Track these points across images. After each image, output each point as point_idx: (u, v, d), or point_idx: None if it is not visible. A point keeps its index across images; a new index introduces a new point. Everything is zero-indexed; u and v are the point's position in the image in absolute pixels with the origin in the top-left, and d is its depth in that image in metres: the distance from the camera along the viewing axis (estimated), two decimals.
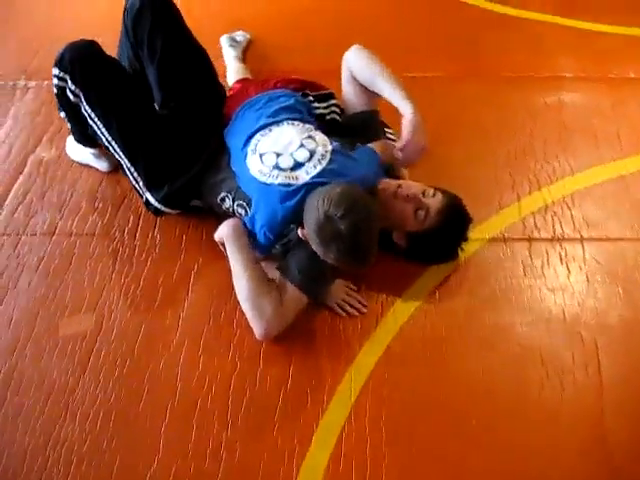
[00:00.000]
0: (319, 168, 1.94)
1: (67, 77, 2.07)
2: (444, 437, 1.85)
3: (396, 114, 2.14)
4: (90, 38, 2.17)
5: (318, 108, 2.28)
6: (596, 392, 1.91)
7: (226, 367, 1.98)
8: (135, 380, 1.96)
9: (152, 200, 2.20)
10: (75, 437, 1.85)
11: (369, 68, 2.23)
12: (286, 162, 1.96)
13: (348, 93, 2.35)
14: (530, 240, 2.25)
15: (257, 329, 1.98)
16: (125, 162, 2.17)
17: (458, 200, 2.14)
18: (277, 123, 2.06)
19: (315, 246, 1.86)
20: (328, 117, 2.30)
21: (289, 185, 1.93)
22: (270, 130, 2.05)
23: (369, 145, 2.13)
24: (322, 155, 1.97)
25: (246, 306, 1.98)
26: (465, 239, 2.15)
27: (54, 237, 2.30)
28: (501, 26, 3.20)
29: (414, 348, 2.02)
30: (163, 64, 2.20)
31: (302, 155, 1.97)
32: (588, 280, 2.15)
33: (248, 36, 3.05)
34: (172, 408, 1.90)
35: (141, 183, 2.19)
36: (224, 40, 2.95)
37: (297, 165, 1.95)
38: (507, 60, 2.99)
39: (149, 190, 2.19)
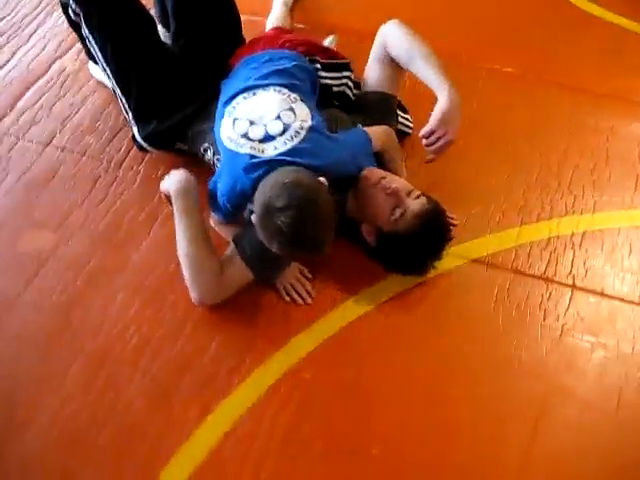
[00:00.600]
0: (289, 145, 1.81)
1: None
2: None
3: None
4: None
5: (325, 78, 2.13)
6: (523, 457, 1.73)
7: (154, 322, 1.94)
8: (66, 311, 1.97)
9: (137, 135, 2.15)
10: None
11: (408, 44, 2.06)
12: (257, 133, 1.84)
13: (373, 71, 2.18)
14: (516, 272, 2.04)
15: (192, 294, 1.92)
16: (118, 91, 2.13)
17: (442, 213, 1.97)
18: (264, 87, 1.94)
19: (259, 235, 1.76)
20: (336, 89, 2.15)
21: (254, 157, 1.81)
22: (254, 94, 1.93)
23: (364, 129, 1.98)
24: (296, 132, 1.83)
25: (185, 269, 1.90)
26: (437, 257, 1.98)
27: (47, 148, 2.33)
28: (580, 26, 2.85)
29: (343, 353, 1.90)
30: None
31: (275, 128, 1.84)
32: (561, 333, 1.93)
33: None
34: (87, 350, 1.90)
35: (130, 115, 2.15)
36: None
37: (267, 137, 1.83)
38: (574, 66, 2.67)
39: (136, 124, 2.15)
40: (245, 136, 1.85)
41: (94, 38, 2.07)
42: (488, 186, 2.25)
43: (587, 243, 2.12)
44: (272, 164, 1.78)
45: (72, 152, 2.31)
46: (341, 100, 2.16)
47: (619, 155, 2.35)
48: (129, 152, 2.30)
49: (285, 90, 1.93)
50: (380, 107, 2.14)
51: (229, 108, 1.94)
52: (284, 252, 1.76)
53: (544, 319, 1.96)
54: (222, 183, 1.87)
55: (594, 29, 2.82)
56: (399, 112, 2.25)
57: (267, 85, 1.94)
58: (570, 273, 2.05)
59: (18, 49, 2.67)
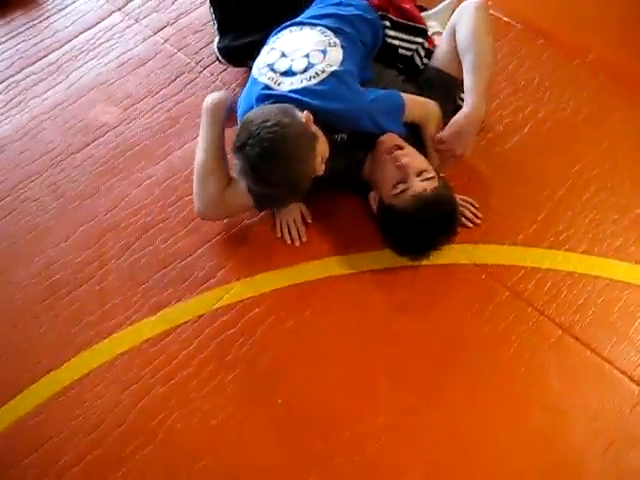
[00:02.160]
0: (304, 84, 1.80)
1: None
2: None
3: None
4: None
5: (393, 38, 2.05)
6: None
7: (161, 214, 2.10)
8: (100, 180, 2.20)
9: (214, 45, 2.25)
10: None
11: (472, 37, 1.95)
12: (282, 65, 1.85)
13: (445, 41, 2.06)
14: (512, 291, 1.89)
15: (195, 204, 2.01)
16: (208, 2, 2.22)
17: (448, 203, 1.86)
18: (312, 25, 1.92)
19: None
20: (403, 51, 2.06)
21: (269, 88, 1.83)
22: (301, 29, 1.93)
23: (404, 95, 1.90)
24: (317, 73, 1.81)
25: (194, 179, 1.99)
26: (430, 245, 1.88)
27: (154, 36, 2.55)
28: None
29: (302, 304, 1.90)
30: None
31: (300, 65, 1.83)
32: (526, 371, 1.77)
33: None
34: (98, 218, 2.11)
35: (214, 26, 2.24)
36: None
37: (289, 72, 1.83)
38: None
39: (218, 35, 2.24)
40: (270, 66, 1.86)
41: None
42: (533, 197, 2.06)
43: (607, 295, 1.88)
44: (281, 99, 1.79)
45: (171, 46, 2.50)
46: (407, 64, 2.07)
47: None
48: (217, 59, 2.40)
49: (329, 32, 1.90)
50: (438, 85, 2.03)
51: (273, 38, 1.96)
52: (252, 189, 1.79)
53: (514, 350, 1.80)
54: (240, 107, 1.92)
55: None
56: None
57: (316, 24, 1.93)
58: (566, 317, 1.84)
59: None
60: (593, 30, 2.50)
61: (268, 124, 1.66)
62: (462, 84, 1.98)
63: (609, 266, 1.94)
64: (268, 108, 1.74)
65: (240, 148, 1.69)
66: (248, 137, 1.67)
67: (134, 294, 1.95)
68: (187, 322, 1.89)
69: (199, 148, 1.99)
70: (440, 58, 2.07)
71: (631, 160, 2.13)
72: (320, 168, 1.78)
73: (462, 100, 1.98)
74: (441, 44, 2.10)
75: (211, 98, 2.01)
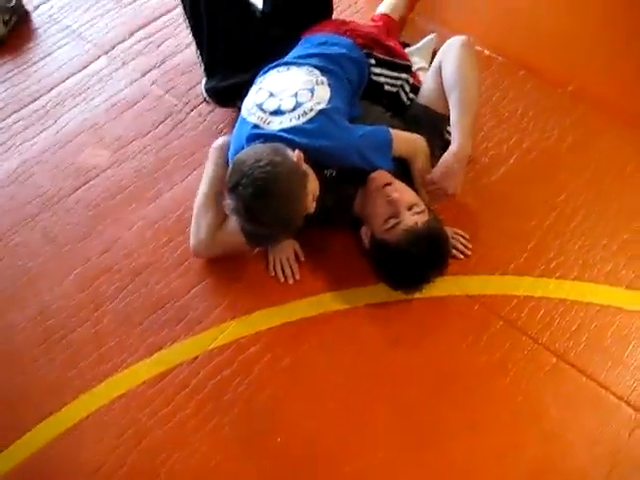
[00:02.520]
0: (294, 123, 1.83)
1: None
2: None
3: None
4: None
5: (379, 75, 2.09)
6: None
7: (154, 255, 2.10)
8: (91, 224, 2.21)
9: (202, 86, 2.28)
10: None
11: (457, 75, 1.99)
12: (271, 105, 1.88)
13: (430, 77, 2.10)
14: (506, 321, 1.90)
15: (190, 241, 2.03)
16: (193, 42, 2.26)
17: (439, 237, 1.88)
18: (299, 65, 1.97)
19: None
20: (388, 88, 2.10)
21: (258, 127, 1.86)
22: (288, 69, 1.97)
23: (392, 130, 1.93)
24: (305, 111, 1.84)
25: (193, 218, 2.03)
26: (423, 279, 1.90)
27: (142, 79, 2.59)
28: None
29: (296, 341, 1.91)
30: None
31: (288, 104, 1.86)
32: (523, 400, 1.78)
33: None
34: (92, 260, 2.12)
35: (201, 67, 2.28)
36: None
37: (278, 112, 1.86)
38: None
39: (205, 76, 2.28)
40: (259, 106, 1.89)
41: None
42: (522, 226, 2.08)
43: (600, 321, 1.89)
44: (271, 138, 1.82)
45: (159, 87, 2.54)
46: (393, 101, 2.11)
47: None
48: (204, 100, 2.44)
49: (316, 71, 1.94)
50: (425, 121, 2.06)
51: (261, 78, 1.99)
52: (245, 227, 1.81)
53: (510, 379, 1.81)
54: (231, 147, 1.94)
55: None
56: None
57: (303, 64, 1.97)
58: (561, 344, 1.85)
59: None
60: (573, 60, 2.55)
61: (260, 164, 1.68)
62: (449, 119, 2.00)
63: (600, 292, 1.96)
64: (260, 148, 1.76)
65: (233, 188, 1.71)
66: (241, 177, 1.69)
67: (129, 336, 1.95)
68: (183, 363, 1.89)
69: (200, 187, 2.03)
70: (427, 95, 2.10)
71: (616, 186, 2.16)
72: (311, 205, 1.80)
73: (449, 134, 2.01)
74: (427, 81, 2.13)
75: (217, 141, 2.06)
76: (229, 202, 1.75)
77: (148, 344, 1.93)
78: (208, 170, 2.04)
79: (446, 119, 2.03)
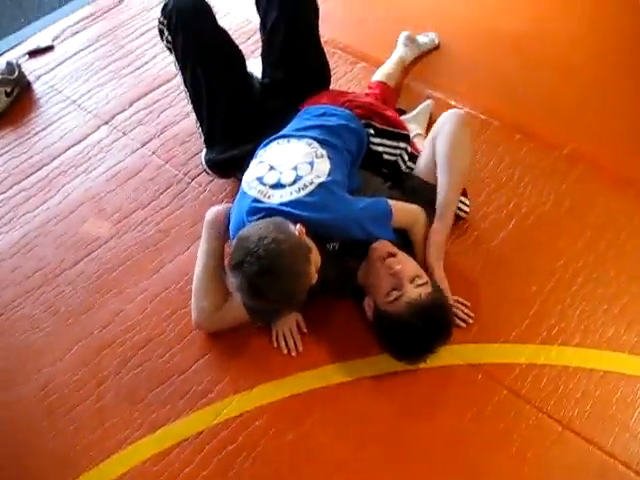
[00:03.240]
0: (294, 196, 1.85)
1: (165, 24, 2.21)
2: None
3: None
4: None
5: (378, 144, 2.13)
6: None
7: (156, 329, 2.10)
8: (93, 296, 2.21)
9: (202, 157, 2.31)
10: None
11: (447, 155, 2.05)
12: (271, 178, 1.91)
13: (427, 147, 2.14)
14: (510, 390, 1.90)
15: (192, 315, 2.04)
16: (194, 115, 2.29)
17: (442, 309, 1.89)
18: (299, 137, 2.00)
19: None
20: (387, 157, 2.14)
21: (258, 201, 1.88)
22: (288, 142, 2.00)
23: (391, 202, 1.95)
24: (305, 185, 1.87)
25: (192, 290, 2.04)
26: (427, 350, 1.90)
27: (141, 149, 2.61)
28: None
29: (302, 414, 1.89)
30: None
31: (288, 177, 1.89)
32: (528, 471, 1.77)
33: (436, 41, 2.88)
34: (93, 335, 2.11)
35: (202, 138, 2.31)
36: (402, 36, 2.82)
37: (278, 185, 1.89)
38: None
39: (205, 147, 2.31)
40: (260, 179, 1.92)
41: (177, 62, 2.25)
42: (522, 292, 2.09)
43: (604, 387, 1.89)
44: (271, 212, 1.84)
45: (159, 158, 2.57)
46: (392, 169, 2.15)
47: None
48: (204, 171, 2.46)
49: (316, 144, 1.97)
50: (422, 193, 2.09)
51: (261, 151, 2.02)
52: (249, 304, 1.82)
53: (515, 449, 1.80)
54: (232, 221, 1.96)
55: None
56: None
57: (302, 136, 2.00)
58: (565, 412, 1.84)
59: (160, 54, 2.97)
60: (568, 123, 2.59)
61: (265, 241, 1.69)
62: None
63: (603, 358, 1.96)
64: (263, 224, 1.77)
65: (237, 266, 1.71)
66: (245, 255, 1.69)
67: (133, 412, 1.94)
68: (188, 439, 1.88)
69: (197, 264, 2.04)
70: (422, 170, 2.15)
71: (614, 249, 2.18)
72: (314, 277, 1.80)
73: None
74: (423, 154, 2.17)
75: (210, 212, 2.07)
76: (232, 280, 1.76)
77: (152, 420, 1.92)
78: (205, 243, 2.05)
79: None
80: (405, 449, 1.83)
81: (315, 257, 1.81)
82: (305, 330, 2.05)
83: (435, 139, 2.08)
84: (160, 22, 2.23)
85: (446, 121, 2.08)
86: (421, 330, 1.84)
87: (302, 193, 1.86)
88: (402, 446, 1.84)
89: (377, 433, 1.87)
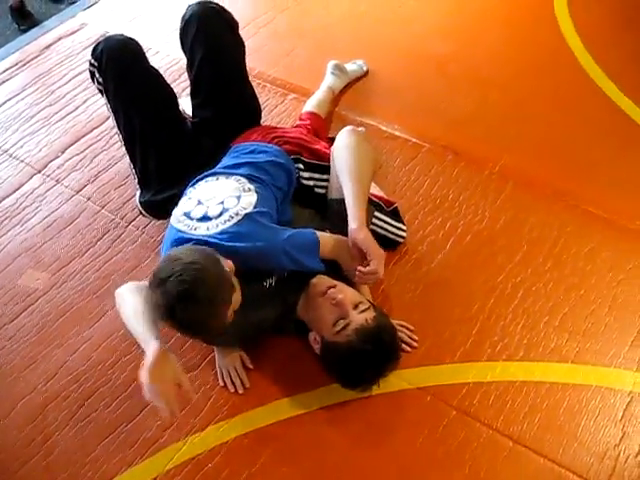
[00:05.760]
0: (220, 228, 1.85)
1: (96, 66, 2.19)
2: None
3: None
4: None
5: (308, 179, 2.16)
6: None
7: (101, 378, 2.06)
8: (36, 349, 2.16)
9: (137, 199, 2.30)
10: None
11: (343, 160, 2.05)
12: (198, 212, 1.91)
13: (332, 170, 2.14)
14: (458, 410, 1.91)
15: None
16: (127, 157, 2.28)
17: (388, 331, 1.90)
18: (227, 175, 2.01)
19: None
20: (319, 190, 2.16)
21: (184, 232, 1.87)
22: (217, 179, 2.02)
23: (319, 233, 1.94)
24: (231, 216, 1.87)
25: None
26: (378, 374, 1.91)
27: (76, 195, 2.58)
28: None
29: (253, 453, 1.87)
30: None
31: (215, 210, 1.90)
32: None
33: (364, 68, 2.93)
34: (39, 390, 2.06)
35: (136, 180, 2.30)
36: (330, 65, 2.85)
37: (204, 218, 1.89)
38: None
39: (139, 189, 2.30)
40: (187, 214, 1.92)
41: (110, 107, 2.24)
42: (464, 312, 2.12)
43: (550, 399, 1.92)
44: (198, 242, 1.82)
45: (94, 203, 2.54)
46: (323, 202, 2.15)
47: (626, 305, 2.12)
48: (140, 213, 2.44)
49: (244, 180, 1.99)
50: (340, 215, 2.04)
51: (190, 189, 2.03)
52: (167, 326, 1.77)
53: (469, 468, 1.81)
54: (162, 253, 1.94)
55: None
56: (391, 221, 2.21)
57: (231, 174, 2.01)
58: (517, 427, 1.87)
59: (91, 97, 2.95)
60: (496, 140, 2.66)
61: (193, 267, 1.67)
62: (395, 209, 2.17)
63: (547, 369, 1.99)
64: (197, 251, 1.75)
65: (160, 283, 1.67)
66: (171, 273, 1.66)
67: (82, 466, 1.90)
68: None
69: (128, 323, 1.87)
70: (334, 190, 2.12)
71: (551, 261, 2.23)
72: (228, 319, 1.77)
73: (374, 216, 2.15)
74: (331, 175, 2.16)
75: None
76: (151, 293, 1.72)
77: (102, 472, 1.88)
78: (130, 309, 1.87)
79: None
80: (360, 478, 1.83)
81: (236, 298, 1.78)
82: (250, 366, 2.04)
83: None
84: (91, 64, 2.21)
85: (338, 136, 2.13)
86: (373, 354, 1.85)
87: (227, 224, 1.86)
88: (356, 475, 1.83)
89: (330, 465, 1.86)
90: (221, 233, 1.84)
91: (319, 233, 1.96)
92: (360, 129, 2.58)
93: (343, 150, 2.06)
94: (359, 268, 1.90)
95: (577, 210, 2.37)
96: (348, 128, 2.15)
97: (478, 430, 1.88)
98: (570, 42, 3.08)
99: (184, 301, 1.66)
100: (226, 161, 2.10)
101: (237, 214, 1.87)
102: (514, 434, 1.86)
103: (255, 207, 1.91)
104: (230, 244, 1.82)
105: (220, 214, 1.88)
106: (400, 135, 2.66)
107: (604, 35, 3.14)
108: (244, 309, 1.80)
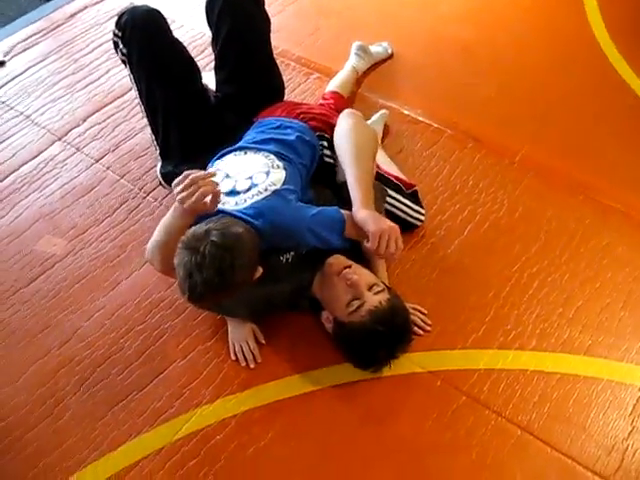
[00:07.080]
0: (248, 202, 1.85)
1: (120, 36, 2.19)
2: None
3: None
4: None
5: (328, 157, 2.15)
6: None
7: (113, 347, 2.08)
8: (49, 315, 2.17)
9: (157, 171, 2.30)
10: None
11: (343, 144, 2.04)
12: (226, 186, 1.90)
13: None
14: (467, 395, 1.91)
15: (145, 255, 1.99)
16: (149, 128, 2.29)
17: (401, 314, 1.90)
18: (256, 150, 2.01)
19: None
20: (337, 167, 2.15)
21: None
22: (245, 153, 2.01)
23: (344, 212, 1.92)
24: (259, 192, 1.87)
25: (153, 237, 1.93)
26: (390, 355, 1.91)
27: (96, 164, 2.59)
28: None
29: (263, 427, 1.88)
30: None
31: (243, 185, 1.89)
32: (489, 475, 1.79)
33: (389, 50, 2.92)
34: (52, 354, 2.07)
35: (157, 151, 2.30)
36: (354, 46, 2.85)
37: (232, 192, 1.89)
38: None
39: (160, 160, 2.30)
40: None
41: (133, 78, 2.24)
42: (479, 298, 2.12)
43: (561, 390, 1.92)
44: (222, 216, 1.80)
45: (114, 173, 2.54)
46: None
47: None
48: (160, 184, 2.45)
49: (272, 157, 1.98)
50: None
51: (218, 161, 2.02)
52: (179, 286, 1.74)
53: (475, 454, 1.82)
54: None
55: None
56: (410, 204, 2.21)
57: (259, 149, 2.01)
58: (526, 416, 1.87)
59: (114, 67, 2.95)
60: (519, 129, 2.65)
61: (234, 227, 1.69)
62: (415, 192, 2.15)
63: (559, 360, 1.99)
64: (231, 219, 1.75)
65: (205, 234, 1.65)
66: (214, 228, 1.66)
67: (92, 431, 1.91)
68: (148, 456, 1.85)
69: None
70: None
71: (568, 253, 2.22)
72: (250, 281, 1.76)
73: (392, 197, 2.16)
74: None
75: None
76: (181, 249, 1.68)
77: (112, 438, 1.89)
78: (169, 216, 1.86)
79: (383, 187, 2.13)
80: (366, 457, 1.84)
81: (258, 273, 1.78)
82: (263, 341, 2.05)
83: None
84: (115, 34, 2.21)
85: (339, 120, 2.13)
86: (386, 336, 1.85)
87: (255, 199, 1.86)
88: (363, 454, 1.84)
89: (338, 442, 1.87)
90: (249, 207, 1.84)
91: (344, 212, 1.95)
92: (383, 111, 2.59)
93: (341, 135, 2.06)
94: (363, 244, 1.89)
95: (596, 204, 2.36)
96: (345, 112, 2.14)
97: (487, 417, 1.88)
98: (597, 33, 3.06)
99: (223, 250, 1.63)
100: (252, 135, 2.09)
101: (266, 190, 1.87)
102: (522, 423, 1.87)
103: (283, 184, 1.90)
104: (258, 220, 1.81)
105: (248, 189, 1.88)
106: (422, 120, 2.65)
107: (632, 27, 3.11)
108: (260, 280, 1.80)
